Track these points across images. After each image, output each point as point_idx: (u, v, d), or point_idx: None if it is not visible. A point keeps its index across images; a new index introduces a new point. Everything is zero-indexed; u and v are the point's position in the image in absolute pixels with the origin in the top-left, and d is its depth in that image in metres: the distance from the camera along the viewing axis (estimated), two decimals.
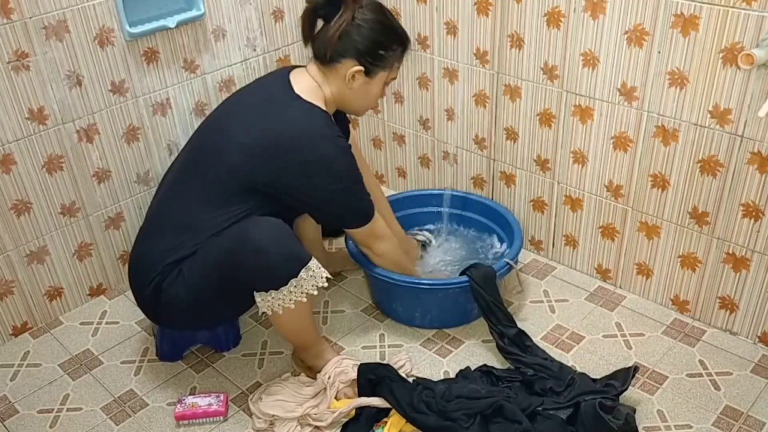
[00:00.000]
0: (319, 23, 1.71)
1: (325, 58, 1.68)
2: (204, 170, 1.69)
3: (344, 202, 1.73)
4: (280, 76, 1.74)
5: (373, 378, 1.70)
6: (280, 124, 1.64)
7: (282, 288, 1.56)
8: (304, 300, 1.60)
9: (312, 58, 1.73)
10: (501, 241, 2.15)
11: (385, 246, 1.85)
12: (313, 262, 1.59)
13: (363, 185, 1.75)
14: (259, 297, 1.59)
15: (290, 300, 1.58)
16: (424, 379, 1.76)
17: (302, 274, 1.57)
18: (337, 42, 1.65)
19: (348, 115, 1.94)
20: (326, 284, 1.62)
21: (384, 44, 1.68)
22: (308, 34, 1.72)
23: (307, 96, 1.68)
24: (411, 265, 1.99)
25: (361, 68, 1.68)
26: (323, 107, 1.69)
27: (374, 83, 1.73)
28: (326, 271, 1.62)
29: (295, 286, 1.57)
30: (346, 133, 1.92)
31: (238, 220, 1.64)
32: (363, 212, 1.77)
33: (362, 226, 1.77)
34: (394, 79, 1.80)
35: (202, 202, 1.67)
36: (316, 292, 1.61)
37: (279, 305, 1.58)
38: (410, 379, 1.75)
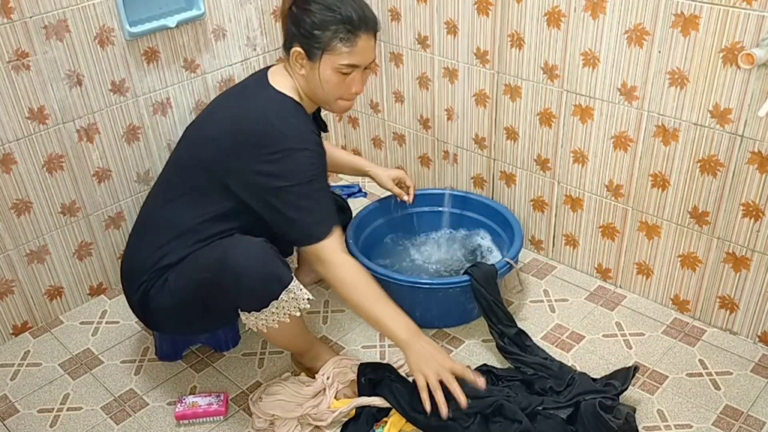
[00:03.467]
0: None
1: (284, 45, 1.65)
2: (181, 170, 1.70)
3: (299, 203, 1.56)
4: (261, 71, 1.72)
5: (373, 377, 1.70)
6: (244, 111, 1.61)
7: (264, 309, 1.55)
8: (287, 321, 1.59)
9: None
10: (489, 233, 2.15)
11: (336, 273, 1.58)
12: (294, 284, 1.56)
13: (322, 197, 1.59)
14: (243, 315, 1.59)
15: (273, 320, 1.57)
16: None
17: (283, 296, 1.55)
18: (285, 26, 1.62)
19: (329, 116, 1.90)
20: (309, 306, 1.60)
21: (317, 24, 1.56)
22: None
23: (280, 87, 1.63)
24: (375, 291, 1.62)
25: (300, 50, 1.59)
26: (297, 99, 1.64)
27: (321, 68, 1.58)
28: (308, 293, 1.60)
29: (276, 308, 1.56)
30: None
31: (217, 219, 1.63)
32: (317, 222, 1.57)
33: (306, 243, 1.58)
34: (355, 66, 1.59)
35: (181, 203, 1.66)
36: (299, 314, 1.60)
37: (263, 324, 1.58)
38: (410, 379, 1.75)
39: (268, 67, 1.72)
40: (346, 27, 1.55)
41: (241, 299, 1.56)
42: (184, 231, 1.64)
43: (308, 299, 1.60)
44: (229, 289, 1.54)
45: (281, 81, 1.65)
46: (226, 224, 1.65)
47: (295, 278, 1.58)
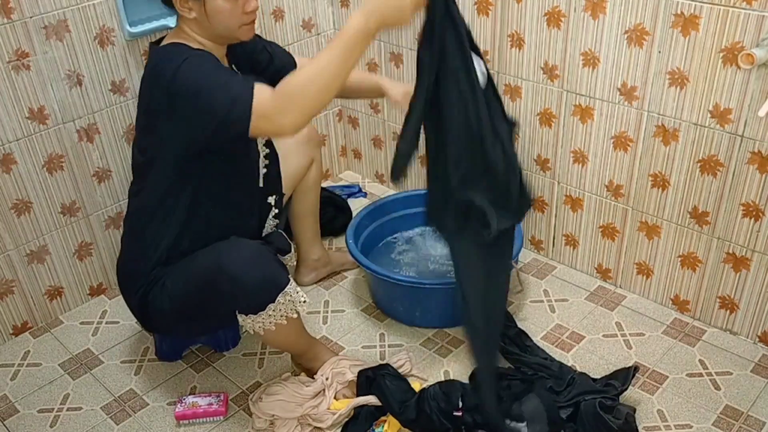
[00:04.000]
0: None
1: (164, 2, 1.56)
2: (134, 168, 1.69)
3: (210, 96, 1.43)
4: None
5: (370, 375, 1.70)
6: (146, 75, 1.57)
7: (261, 312, 1.55)
8: (285, 323, 1.59)
9: None
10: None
11: (284, 120, 1.40)
12: (291, 287, 1.57)
13: (236, 75, 1.52)
14: (240, 318, 1.59)
15: (270, 323, 1.57)
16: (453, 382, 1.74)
17: (279, 299, 1.55)
18: None
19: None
20: (305, 308, 1.61)
21: None
22: None
23: (166, 41, 1.57)
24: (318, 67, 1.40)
25: None
26: (184, 42, 1.54)
27: (207, 2, 1.49)
28: (304, 295, 1.60)
29: (273, 311, 1.56)
30: (269, 55, 1.78)
31: (190, 203, 1.60)
32: (235, 97, 1.40)
33: (245, 121, 1.40)
34: None
35: (144, 194, 1.65)
36: (296, 315, 1.60)
37: (260, 327, 1.58)
38: (417, 380, 1.75)
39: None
40: None
41: (238, 303, 1.56)
42: (157, 218, 1.62)
43: (305, 302, 1.60)
44: (225, 293, 1.54)
45: (168, 37, 1.59)
46: (185, 192, 1.60)
47: (292, 281, 1.58)
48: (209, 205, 1.63)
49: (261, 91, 1.40)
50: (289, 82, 1.39)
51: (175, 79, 1.45)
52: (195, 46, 1.54)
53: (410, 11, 1.35)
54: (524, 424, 1.58)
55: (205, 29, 1.55)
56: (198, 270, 1.59)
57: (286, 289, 1.55)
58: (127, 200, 2.08)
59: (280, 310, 1.56)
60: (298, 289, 1.59)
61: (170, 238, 1.63)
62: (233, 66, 1.68)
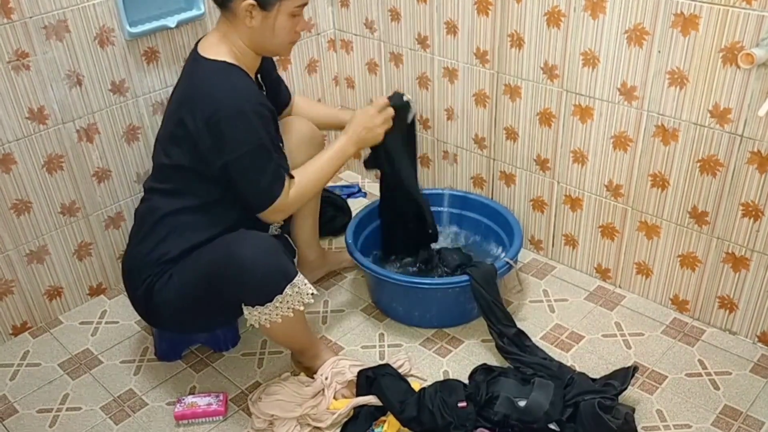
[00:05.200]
0: None
1: (220, 3, 1.62)
2: (158, 166, 1.73)
3: (241, 173, 1.61)
4: (192, 51, 1.70)
5: (370, 375, 1.70)
6: (188, 95, 1.63)
7: (268, 304, 1.56)
8: (291, 315, 1.60)
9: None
10: (499, 245, 2.16)
11: (286, 212, 1.73)
12: (299, 279, 1.58)
13: (266, 163, 1.62)
14: (246, 311, 1.60)
15: (277, 315, 1.58)
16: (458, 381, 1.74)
17: (287, 290, 1.56)
18: None
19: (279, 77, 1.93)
20: (312, 300, 1.62)
21: None
22: None
23: (210, 54, 1.63)
24: (315, 163, 1.77)
25: (252, 2, 1.57)
26: (229, 60, 1.63)
27: (277, 16, 1.60)
28: (312, 287, 1.62)
29: (280, 302, 1.57)
30: (283, 96, 1.93)
31: (204, 207, 1.66)
32: (266, 188, 1.64)
33: (261, 210, 1.67)
34: (305, 5, 1.63)
35: (166, 197, 1.69)
36: (302, 308, 1.61)
37: (266, 319, 1.59)
38: (417, 380, 1.75)
39: (197, 44, 1.69)
40: None
41: (246, 293, 1.57)
42: (173, 224, 1.66)
43: (312, 293, 1.61)
44: (234, 283, 1.55)
45: (213, 50, 1.64)
46: (215, 210, 1.68)
47: (299, 273, 1.59)
48: (229, 216, 1.69)
49: (286, 189, 1.66)
50: (301, 186, 1.71)
51: (219, 122, 1.56)
52: (236, 51, 1.64)
53: (381, 135, 1.84)
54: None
55: (256, 39, 1.63)
56: (208, 260, 1.60)
57: (294, 281, 1.57)
58: (127, 200, 2.12)
59: (287, 301, 1.57)
60: (306, 281, 1.60)
61: (187, 244, 1.66)
62: (258, 76, 1.77)
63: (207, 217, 1.68)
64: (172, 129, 1.65)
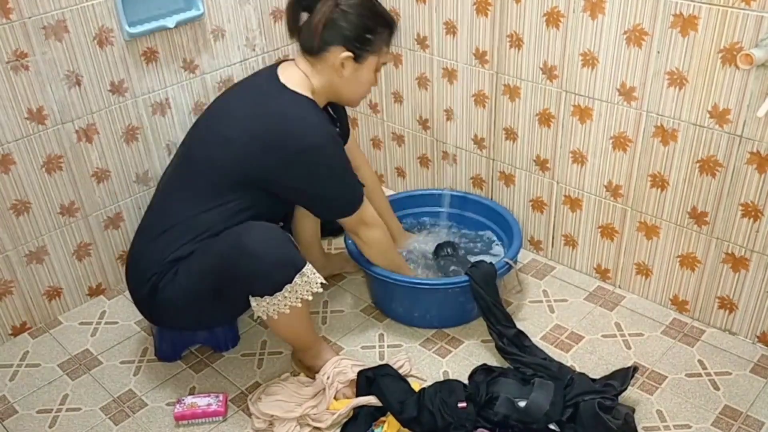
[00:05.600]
0: (304, 16, 1.70)
1: (313, 48, 1.67)
2: (195, 167, 1.71)
3: (333, 189, 1.72)
4: (269, 70, 1.74)
5: (370, 375, 1.70)
6: (267, 116, 1.64)
7: (277, 293, 1.56)
8: (299, 305, 1.60)
9: (299, 51, 1.72)
10: (498, 241, 2.16)
11: (373, 234, 1.83)
12: (308, 268, 1.59)
13: (351, 171, 1.74)
14: (254, 302, 1.60)
15: (285, 305, 1.58)
16: (458, 381, 1.74)
17: (297, 279, 1.57)
18: (323, 31, 1.64)
19: (347, 111, 1.94)
20: (321, 290, 1.62)
21: (370, 28, 1.66)
22: (293, 27, 1.71)
23: (294, 86, 1.67)
24: (400, 258, 1.98)
25: (350, 54, 1.65)
26: (311, 97, 1.69)
27: (365, 69, 1.70)
28: (321, 277, 1.63)
29: (289, 292, 1.57)
30: (346, 130, 1.93)
31: (232, 215, 1.65)
32: (351, 199, 1.75)
33: (351, 213, 1.76)
34: (386, 64, 1.78)
35: (195, 199, 1.67)
36: (311, 298, 1.61)
37: (274, 310, 1.59)
38: (417, 381, 1.75)
39: (275, 64, 1.74)
40: (390, 30, 1.71)
41: (255, 283, 1.57)
42: (195, 227, 1.65)
43: (321, 282, 1.62)
44: (243, 273, 1.55)
45: (294, 80, 1.68)
46: (239, 217, 1.67)
47: (308, 263, 1.60)
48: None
49: (366, 201, 1.78)
50: (382, 246, 1.87)
51: (302, 155, 1.62)
52: (315, 92, 1.70)
53: None
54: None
55: (337, 88, 1.72)
56: (216, 251, 1.60)
57: (303, 270, 1.58)
58: (126, 200, 2.12)
59: (296, 291, 1.57)
60: (314, 270, 1.61)
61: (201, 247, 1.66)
62: (329, 108, 1.84)
63: (230, 222, 1.66)
64: (240, 147, 1.64)
